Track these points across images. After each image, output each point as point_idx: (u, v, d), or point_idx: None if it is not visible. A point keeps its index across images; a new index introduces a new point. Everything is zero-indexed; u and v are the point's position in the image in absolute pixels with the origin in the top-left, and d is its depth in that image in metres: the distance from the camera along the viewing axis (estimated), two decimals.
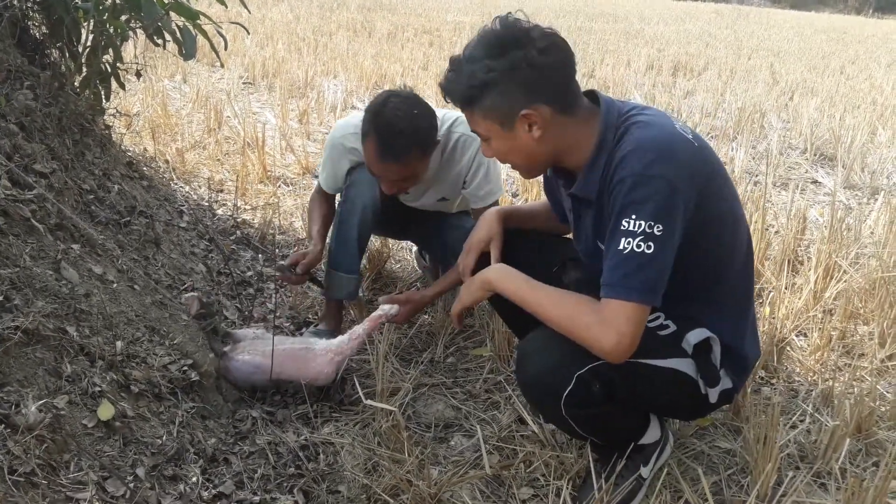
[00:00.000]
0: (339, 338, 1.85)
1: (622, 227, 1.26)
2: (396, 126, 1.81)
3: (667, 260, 1.26)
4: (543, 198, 1.77)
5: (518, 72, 1.29)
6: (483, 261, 1.64)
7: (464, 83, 1.33)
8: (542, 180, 1.72)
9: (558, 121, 1.34)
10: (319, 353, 1.80)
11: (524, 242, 1.69)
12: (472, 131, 1.44)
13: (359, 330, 1.86)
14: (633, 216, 1.25)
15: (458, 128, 2.06)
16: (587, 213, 1.45)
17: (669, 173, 1.26)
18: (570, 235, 1.65)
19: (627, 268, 1.25)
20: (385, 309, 1.91)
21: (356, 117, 2.03)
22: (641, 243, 1.24)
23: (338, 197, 2.20)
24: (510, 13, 1.35)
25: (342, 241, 2.10)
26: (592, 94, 1.42)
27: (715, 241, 1.38)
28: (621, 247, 1.25)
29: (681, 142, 1.31)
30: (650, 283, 1.26)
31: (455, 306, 1.61)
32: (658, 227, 1.24)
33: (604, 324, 1.27)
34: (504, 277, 1.49)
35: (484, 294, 1.55)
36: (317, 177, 3.63)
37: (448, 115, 2.09)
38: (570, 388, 1.35)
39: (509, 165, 1.47)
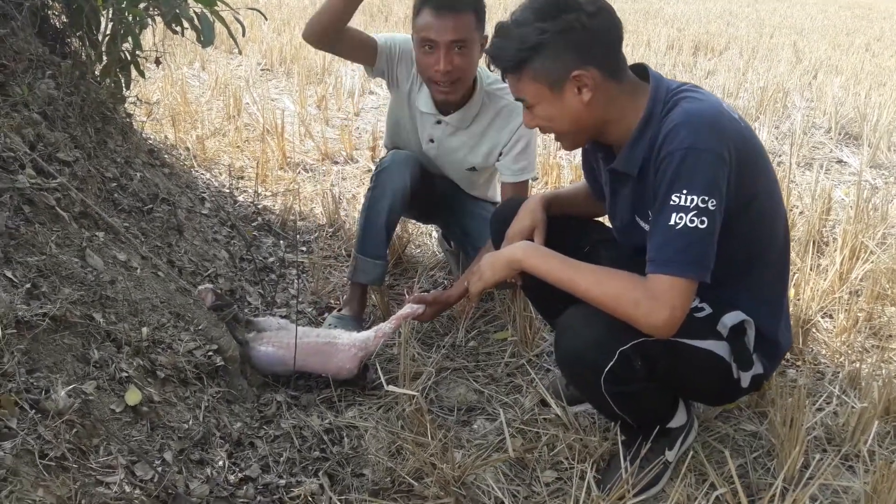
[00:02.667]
0: (365, 333, 1.84)
1: (672, 202, 1.24)
2: None
3: (716, 233, 1.25)
4: (574, 181, 1.75)
5: (570, 33, 1.28)
6: None
7: (514, 46, 1.32)
8: (579, 155, 1.69)
9: (607, 86, 1.33)
10: (342, 349, 1.79)
11: (553, 224, 1.67)
12: (517, 99, 1.41)
13: (385, 328, 1.84)
14: (685, 190, 1.23)
15: (505, 95, 2.03)
16: (625, 187, 1.43)
17: (719, 147, 1.24)
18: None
19: (680, 243, 1.24)
20: (413, 307, 1.90)
21: None
22: (695, 218, 1.22)
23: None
24: None
25: (370, 225, 2.10)
26: (642, 69, 1.40)
27: (756, 220, 1.36)
28: (672, 222, 1.24)
29: (728, 119, 1.30)
30: (703, 258, 1.25)
31: (476, 283, 1.57)
32: (712, 202, 1.23)
33: (654, 299, 1.25)
34: (534, 254, 1.46)
35: (510, 273, 1.50)
36: (336, 163, 3.65)
37: (496, 77, 2.06)
38: (612, 363, 1.34)
39: (551, 136, 1.45)
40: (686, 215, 1.23)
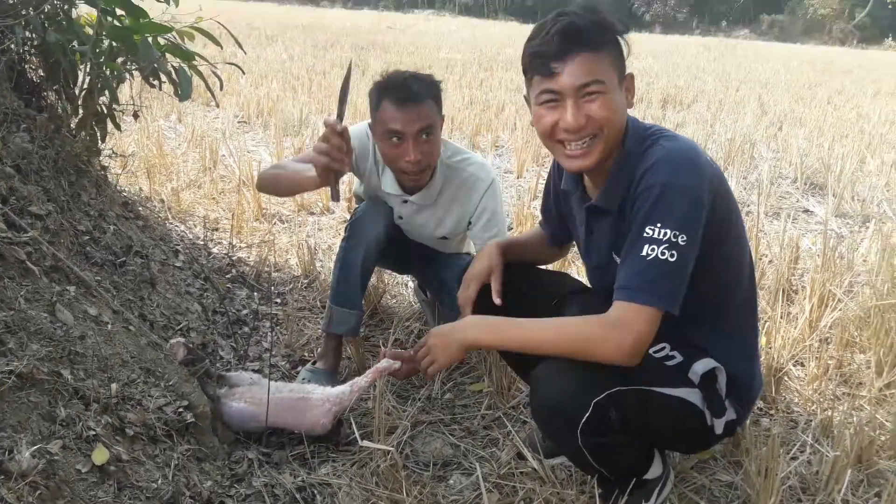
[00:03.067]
0: (339, 388, 1.81)
1: (645, 235, 1.27)
2: (403, 74, 1.95)
3: (687, 271, 1.28)
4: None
5: (624, 42, 1.37)
6: (484, 292, 1.64)
7: (611, 22, 1.35)
8: (543, 198, 1.74)
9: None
10: (316, 404, 1.76)
11: (523, 277, 1.69)
12: (590, 81, 1.31)
13: (360, 382, 1.82)
14: (659, 224, 1.26)
15: (469, 166, 2.09)
16: (604, 224, 1.46)
17: (696, 185, 1.28)
18: (564, 265, 1.65)
19: (650, 274, 1.26)
20: (390, 362, 1.88)
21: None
22: (665, 251, 1.25)
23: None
24: None
25: (345, 275, 2.10)
26: None
27: (724, 261, 1.39)
28: (644, 253, 1.26)
29: (705, 159, 1.35)
30: (672, 289, 1.27)
31: (432, 367, 1.56)
32: (683, 238, 1.25)
33: (620, 327, 1.27)
34: (485, 331, 1.47)
35: (462, 355, 1.52)
36: (312, 213, 3.66)
37: (458, 147, 2.15)
38: (587, 414, 1.34)
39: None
40: (658, 247, 1.25)
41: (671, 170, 1.28)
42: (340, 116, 1.63)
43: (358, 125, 2.14)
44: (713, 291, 1.41)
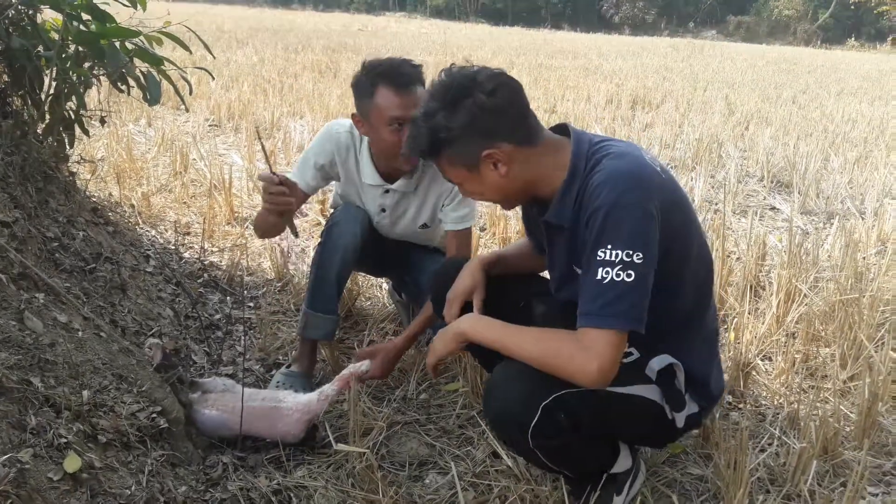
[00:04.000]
0: (308, 396, 1.81)
1: (598, 258, 1.28)
2: (401, 60, 1.92)
3: (647, 286, 1.29)
4: (521, 231, 1.80)
5: (473, 119, 1.35)
6: (466, 310, 1.65)
7: (424, 140, 1.40)
8: (519, 211, 1.75)
9: (521, 153, 1.39)
10: (286, 413, 1.77)
11: (489, 282, 1.71)
12: (446, 179, 1.50)
13: (328, 390, 1.82)
14: (609, 246, 1.28)
15: None
16: (560, 237, 1.48)
17: (643, 201, 1.29)
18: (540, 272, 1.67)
19: (607, 297, 1.27)
20: (355, 366, 1.87)
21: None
22: (621, 272, 1.27)
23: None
24: (453, 64, 1.43)
25: (321, 280, 2.10)
26: (564, 128, 1.47)
27: (678, 266, 1.41)
28: (599, 276, 1.28)
29: (650, 172, 1.36)
30: (631, 309, 1.28)
31: (430, 358, 1.61)
32: (638, 255, 1.27)
33: (585, 351, 1.29)
34: (479, 327, 1.50)
35: (458, 346, 1.55)
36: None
37: None
38: (536, 419, 1.36)
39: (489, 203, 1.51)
40: (612, 269, 1.27)
41: (614, 190, 1.30)
42: (272, 171, 1.80)
43: (337, 123, 2.12)
44: (669, 296, 1.43)
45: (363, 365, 1.87)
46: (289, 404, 1.78)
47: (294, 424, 1.76)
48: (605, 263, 1.27)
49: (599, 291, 1.28)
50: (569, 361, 1.31)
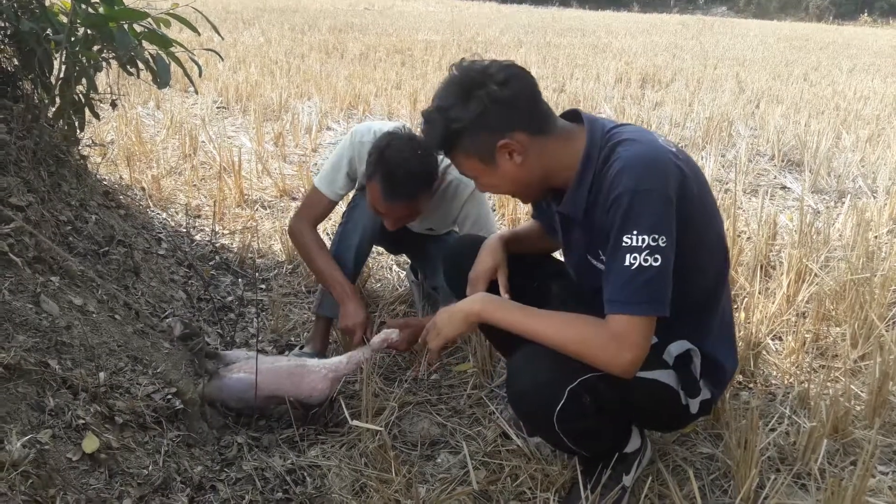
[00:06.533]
0: (337, 357, 1.86)
1: (624, 244, 1.28)
2: (402, 168, 1.84)
3: (670, 270, 1.29)
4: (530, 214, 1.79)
5: (485, 110, 1.34)
6: (491, 290, 1.64)
7: (439, 133, 1.39)
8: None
9: (537, 143, 1.38)
10: (314, 370, 1.81)
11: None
12: (462, 173, 1.49)
13: (358, 355, 1.85)
14: (635, 231, 1.27)
15: (452, 171, 2.07)
16: (575, 228, 1.48)
17: (661, 185, 1.29)
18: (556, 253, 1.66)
19: (636, 283, 1.27)
20: (387, 332, 1.90)
21: (375, 124, 2.08)
22: (648, 257, 1.27)
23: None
24: (464, 58, 1.42)
25: (339, 258, 2.12)
26: (576, 114, 1.46)
27: (696, 250, 1.41)
28: (627, 263, 1.27)
29: (665, 155, 1.35)
30: (659, 294, 1.28)
31: (435, 341, 1.57)
32: (662, 239, 1.27)
33: (618, 340, 1.29)
34: (493, 307, 1.48)
35: (469, 328, 1.53)
36: (295, 199, 3.65)
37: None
38: (562, 402, 1.36)
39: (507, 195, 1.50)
40: (640, 255, 1.27)
41: (633, 177, 1.30)
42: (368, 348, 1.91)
43: (360, 132, 2.09)
44: (687, 278, 1.43)
45: (394, 333, 1.90)
46: (315, 362, 1.82)
47: (321, 380, 1.79)
48: (632, 249, 1.27)
49: (628, 278, 1.27)
50: (601, 350, 1.31)
